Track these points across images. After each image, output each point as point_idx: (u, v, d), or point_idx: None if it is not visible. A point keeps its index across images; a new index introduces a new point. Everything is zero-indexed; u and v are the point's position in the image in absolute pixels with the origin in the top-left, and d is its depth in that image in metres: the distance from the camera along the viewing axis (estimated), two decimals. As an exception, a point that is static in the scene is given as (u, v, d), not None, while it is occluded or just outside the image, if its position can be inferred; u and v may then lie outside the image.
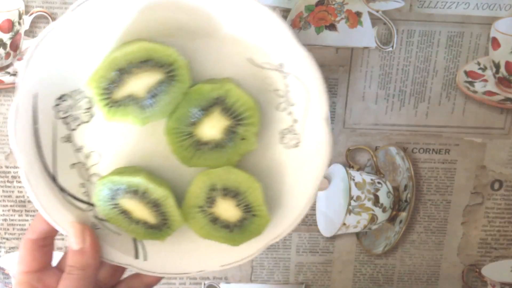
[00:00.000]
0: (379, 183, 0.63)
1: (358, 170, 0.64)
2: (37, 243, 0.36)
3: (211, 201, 0.34)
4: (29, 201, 0.65)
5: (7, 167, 0.64)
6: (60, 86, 0.33)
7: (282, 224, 0.34)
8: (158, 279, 0.37)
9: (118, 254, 0.35)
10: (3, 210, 0.65)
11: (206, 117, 0.32)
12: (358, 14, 0.59)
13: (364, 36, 0.60)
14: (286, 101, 0.34)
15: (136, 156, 0.35)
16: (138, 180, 0.32)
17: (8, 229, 0.66)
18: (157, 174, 0.34)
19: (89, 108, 0.34)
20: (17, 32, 0.58)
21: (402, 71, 0.62)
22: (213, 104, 0.32)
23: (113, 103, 0.32)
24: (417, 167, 0.66)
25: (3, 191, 0.65)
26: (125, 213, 0.34)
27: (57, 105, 0.33)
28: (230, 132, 0.33)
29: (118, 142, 0.35)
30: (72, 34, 0.31)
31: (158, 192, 0.33)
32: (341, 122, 0.64)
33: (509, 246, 0.69)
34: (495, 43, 0.61)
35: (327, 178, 0.65)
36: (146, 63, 0.30)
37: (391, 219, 0.65)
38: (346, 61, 0.62)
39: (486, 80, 0.62)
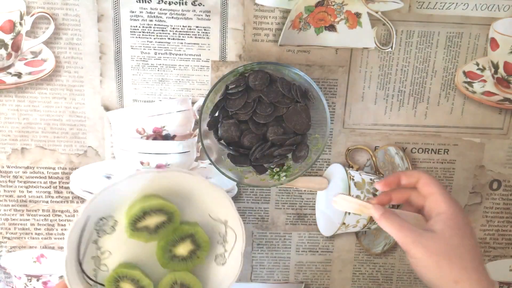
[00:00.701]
0: (378, 183, 0.64)
1: (357, 170, 0.65)
2: None
3: None
4: (30, 201, 0.65)
5: (8, 167, 0.64)
6: (101, 213, 0.57)
7: None
8: None
9: None
10: (4, 210, 0.65)
11: (181, 243, 0.58)
12: (358, 15, 0.60)
13: (364, 36, 0.61)
14: (223, 239, 0.61)
15: (134, 256, 0.60)
16: (135, 273, 0.58)
17: (9, 229, 0.66)
18: (145, 269, 0.60)
19: (113, 226, 0.58)
20: (19, 33, 0.59)
21: (401, 71, 0.63)
22: (187, 236, 0.58)
23: (135, 229, 0.57)
24: (416, 167, 0.66)
25: (4, 190, 0.65)
26: None
27: (97, 222, 0.57)
28: (192, 253, 0.59)
29: (124, 247, 0.59)
30: (110, 190, 0.56)
31: (145, 281, 0.58)
32: (340, 122, 0.64)
33: (508, 245, 0.70)
34: (494, 43, 0.61)
35: (327, 178, 0.65)
36: (158, 210, 0.57)
37: (390, 219, 0.65)
38: (345, 61, 0.62)
39: (484, 81, 0.63)
